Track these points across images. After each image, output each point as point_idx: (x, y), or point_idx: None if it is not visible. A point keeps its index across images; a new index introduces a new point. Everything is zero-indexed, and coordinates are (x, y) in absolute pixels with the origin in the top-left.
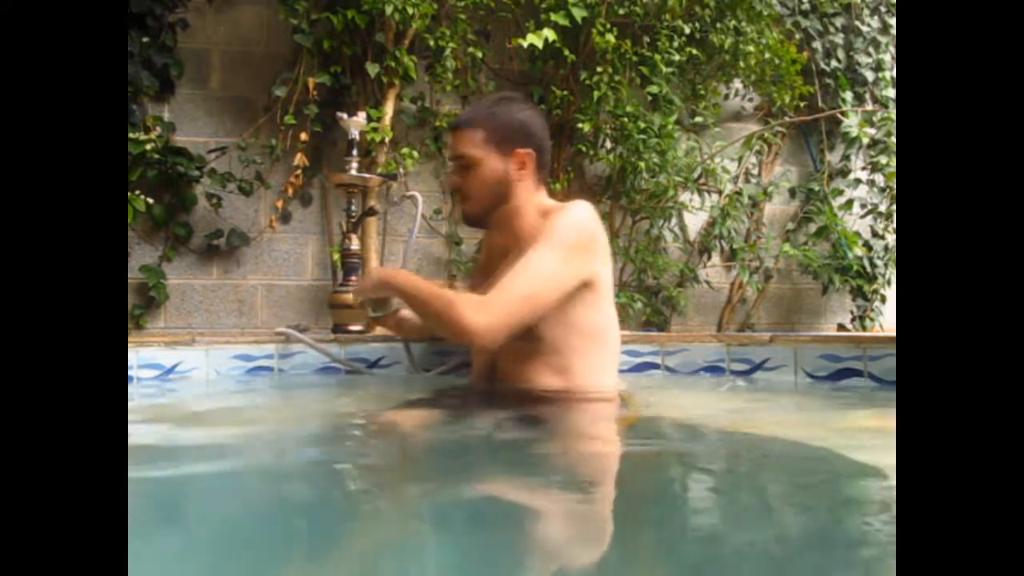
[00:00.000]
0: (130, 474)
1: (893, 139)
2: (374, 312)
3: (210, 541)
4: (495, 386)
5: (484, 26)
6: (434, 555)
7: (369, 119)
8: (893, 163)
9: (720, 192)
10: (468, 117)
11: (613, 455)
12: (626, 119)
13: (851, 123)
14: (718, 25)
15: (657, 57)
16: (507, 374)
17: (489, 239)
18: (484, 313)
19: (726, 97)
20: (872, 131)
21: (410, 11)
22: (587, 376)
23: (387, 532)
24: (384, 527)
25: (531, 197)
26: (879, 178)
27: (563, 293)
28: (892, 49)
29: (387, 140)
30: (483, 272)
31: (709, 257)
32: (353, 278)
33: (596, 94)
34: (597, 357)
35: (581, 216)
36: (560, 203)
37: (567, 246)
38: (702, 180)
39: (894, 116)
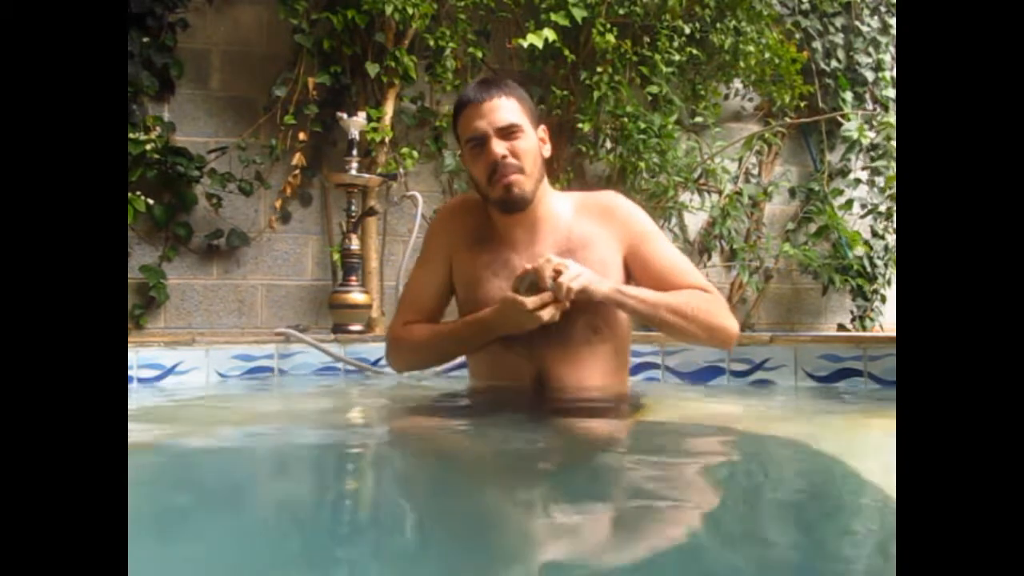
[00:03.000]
0: (130, 474)
1: (893, 143)
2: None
3: (210, 543)
4: (547, 390)
5: (484, 26)
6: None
7: (369, 119)
8: (893, 167)
9: (720, 192)
10: (499, 88)
11: (622, 455)
12: (626, 119)
13: (851, 127)
14: (718, 25)
15: (657, 57)
16: (563, 377)
17: (508, 229)
18: (731, 312)
19: (726, 97)
20: (872, 135)
21: (410, 11)
22: (625, 375)
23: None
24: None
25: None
26: (879, 178)
27: None
28: (892, 49)
29: (387, 140)
30: (507, 268)
31: (709, 257)
32: (353, 278)
33: (596, 94)
34: (629, 356)
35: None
36: (589, 192)
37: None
38: (702, 180)
39: (894, 121)
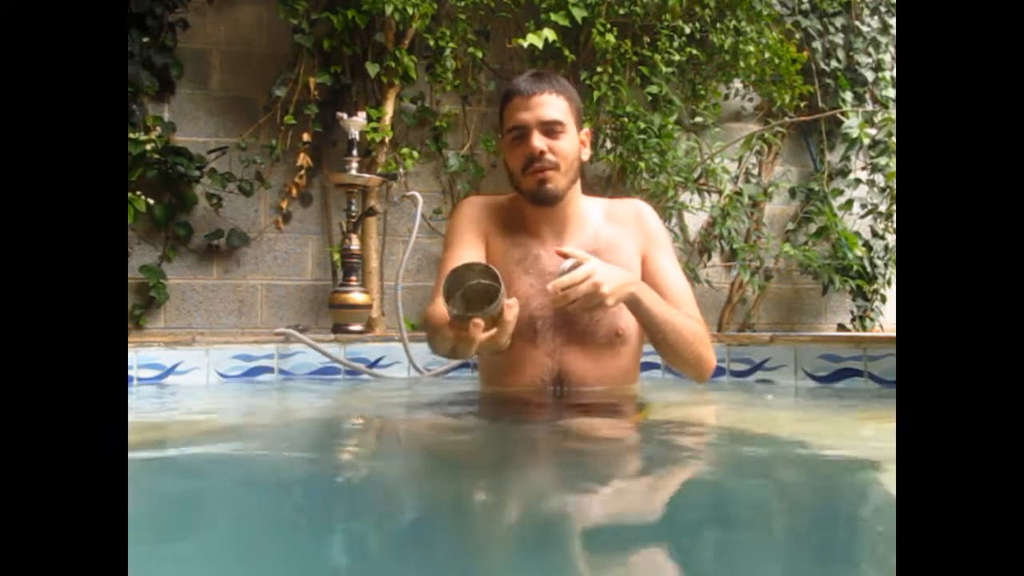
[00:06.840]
0: (130, 475)
1: (893, 139)
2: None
3: (210, 543)
4: (564, 388)
5: (484, 26)
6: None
7: (369, 119)
8: (893, 164)
9: (720, 192)
10: (550, 83)
11: (627, 454)
12: (626, 119)
13: (851, 124)
14: (718, 25)
15: (657, 57)
16: (583, 376)
17: (537, 224)
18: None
19: (726, 97)
20: (872, 131)
21: (410, 11)
22: (638, 376)
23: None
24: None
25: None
26: (879, 178)
27: None
28: (892, 49)
29: (387, 140)
30: (536, 265)
31: (709, 257)
32: (353, 278)
33: (596, 94)
34: (641, 357)
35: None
36: (614, 199)
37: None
38: (702, 180)
39: (894, 116)
